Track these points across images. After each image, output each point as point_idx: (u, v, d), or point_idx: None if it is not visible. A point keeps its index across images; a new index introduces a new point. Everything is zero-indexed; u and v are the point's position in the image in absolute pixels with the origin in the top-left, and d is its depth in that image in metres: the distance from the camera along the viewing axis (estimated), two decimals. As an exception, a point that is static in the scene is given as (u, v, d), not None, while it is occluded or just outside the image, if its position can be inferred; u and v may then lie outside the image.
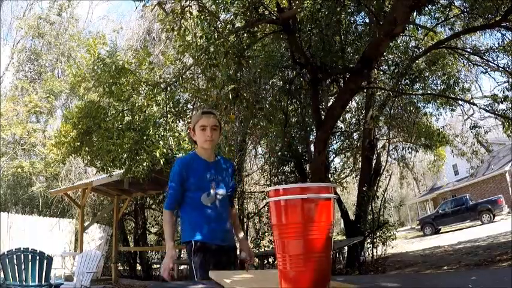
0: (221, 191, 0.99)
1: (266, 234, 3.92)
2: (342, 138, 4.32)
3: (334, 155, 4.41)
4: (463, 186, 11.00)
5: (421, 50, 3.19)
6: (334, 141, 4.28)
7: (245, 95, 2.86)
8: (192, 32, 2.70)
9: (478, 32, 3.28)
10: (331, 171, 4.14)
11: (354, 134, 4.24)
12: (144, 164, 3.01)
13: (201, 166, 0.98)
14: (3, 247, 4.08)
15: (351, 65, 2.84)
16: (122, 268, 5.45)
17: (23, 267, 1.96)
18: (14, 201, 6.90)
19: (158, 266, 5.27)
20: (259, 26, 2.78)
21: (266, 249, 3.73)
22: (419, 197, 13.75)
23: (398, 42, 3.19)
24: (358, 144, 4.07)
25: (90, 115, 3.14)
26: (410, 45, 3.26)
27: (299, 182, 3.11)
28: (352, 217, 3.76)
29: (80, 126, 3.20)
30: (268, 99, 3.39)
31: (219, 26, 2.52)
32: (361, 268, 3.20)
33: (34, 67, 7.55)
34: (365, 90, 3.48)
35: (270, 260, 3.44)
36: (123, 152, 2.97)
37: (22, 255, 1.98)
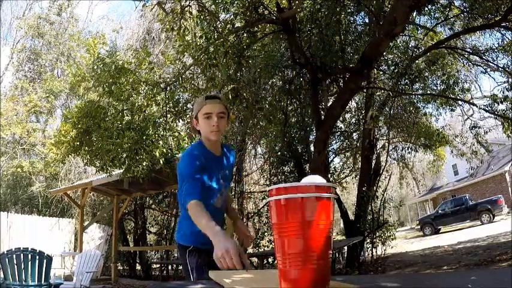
0: (226, 189, 0.92)
1: (266, 234, 3.91)
2: (342, 138, 4.31)
3: (333, 155, 4.41)
4: (462, 186, 10.98)
5: (420, 50, 3.19)
6: (334, 141, 4.28)
7: (245, 94, 2.87)
8: (191, 32, 2.69)
9: (477, 32, 3.27)
10: (331, 171, 4.12)
11: (354, 134, 4.24)
12: (144, 164, 3.00)
13: (213, 162, 0.85)
14: (2, 247, 4.07)
15: (351, 65, 2.84)
16: (121, 268, 5.44)
17: (22, 266, 1.95)
18: (13, 200, 6.89)
19: (158, 266, 5.21)
20: (259, 26, 2.78)
21: (266, 249, 3.72)
22: (419, 197, 13.74)
23: (398, 42, 3.19)
24: (358, 144, 4.07)
25: (89, 115, 3.13)
26: (410, 45, 3.26)
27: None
28: (351, 217, 3.75)
29: (79, 126, 3.19)
30: (268, 99, 3.38)
31: (219, 26, 2.52)
32: (360, 268, 3.20)
33: (34, 67, 7.54)
34: (365, 90, 3.47)
35: (270, 259, 3.43)
36: (122, 152, 2.95)
37: (22, 255, 1.97)
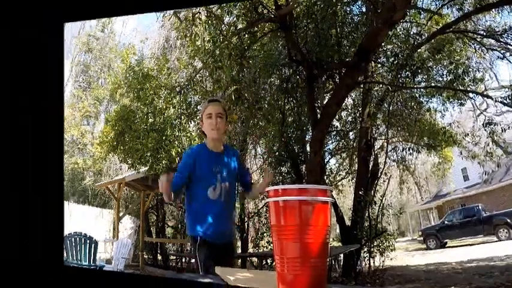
0: (228, 185, 0.89)
1: (265, 234, 3.47)
2: (338, 137, 3.68)
3: (329, 156, 3.80)
4: (474, 194, 8.95)
5: (424, 37, 2.53)
6: (330, 141, 3.66)
7: (246, 95, 2.70)
8: (201, 37, 2.64)
9: (493, 10, 2.42)
10: (327, 173, 3.53)
11: (350, 133, 3.57)
12: (163, 162, 3.02)
13: (208, 157, 0.88)
14: (66, 231, 4.33)
15: (347, 59, 2.42)
16: (146, 257, 5.42)
17: (78, 248, 2.13)
18: (72, 192, 7.48)
19: (174, 257, 5.15)
20: (259, 26, 2.60)
21: (265, 249, 3.28)
22: (422, 204, 11.66)
23: (398, 30, 2.54)
24: (355, 144, 3.42)
25: (123, 118, 3.26)
26: (411, 33, 2.57)
27: (296, 184, 2.68)
28: (348, 223, 3.10)
29: (116, 128, 3.33)
30: (266, 98, 3.09)
31: (223, 29, 2.41)
32: (357, 278, 2.61)
33: (85, 78, 8.42)
34: (362, 86, 2.89)
35: (269, 261, 2.97)
36: (147, 151, 3.01)
37: (77, 238, 2.16)
